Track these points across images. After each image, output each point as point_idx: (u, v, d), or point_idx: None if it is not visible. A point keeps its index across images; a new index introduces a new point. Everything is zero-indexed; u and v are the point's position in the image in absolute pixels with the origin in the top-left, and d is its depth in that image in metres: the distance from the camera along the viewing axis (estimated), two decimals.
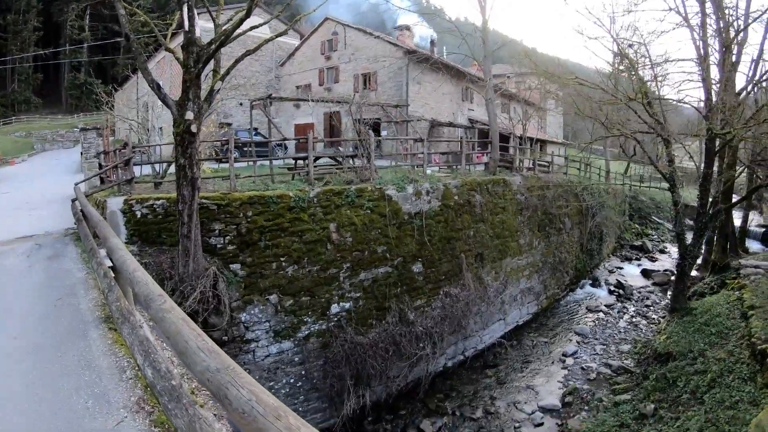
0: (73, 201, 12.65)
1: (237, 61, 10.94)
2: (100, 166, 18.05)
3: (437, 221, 17.20)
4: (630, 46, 19.23)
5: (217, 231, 12.52)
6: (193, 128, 10.46)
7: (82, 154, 23.59)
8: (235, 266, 12.64)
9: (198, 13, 11.14)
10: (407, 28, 40.41)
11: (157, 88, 10.94)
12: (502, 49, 35.86)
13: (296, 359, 13.43)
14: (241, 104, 37.19)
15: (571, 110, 31.17)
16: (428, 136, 29.48)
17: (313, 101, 20.10)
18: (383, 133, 29.80)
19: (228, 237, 12.65)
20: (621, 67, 20.94)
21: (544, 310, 23.67)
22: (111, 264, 6.11)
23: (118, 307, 5.33)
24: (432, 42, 41.85)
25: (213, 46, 10.52)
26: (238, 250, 12.73)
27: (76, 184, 14.13)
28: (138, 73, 43.72)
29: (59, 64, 78.98)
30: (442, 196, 17.62)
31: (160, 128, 29.46)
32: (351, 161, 18.65)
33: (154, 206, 12.42)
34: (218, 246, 12.52)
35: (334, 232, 14.38)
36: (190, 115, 10.45)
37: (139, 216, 12.21)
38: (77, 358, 5.43)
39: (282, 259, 13.36)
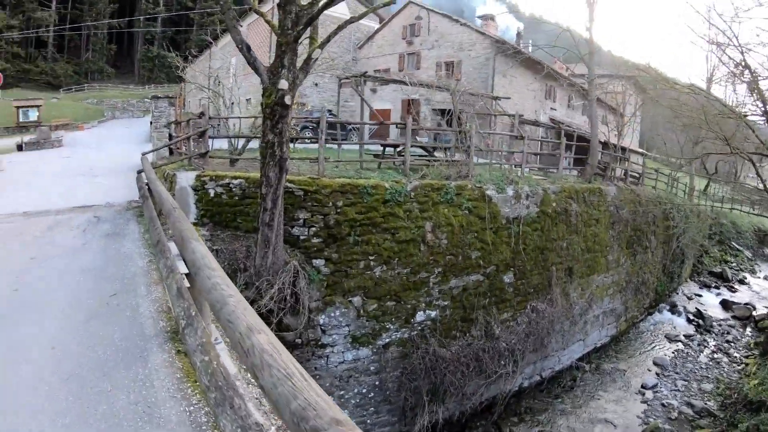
0: (139, 173, 11.28)
1: (340, 28, 9.49)
2: (171, 137, 17.01)
3: (533, 229, 15.87)
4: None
5: (301, 220, 11.07)
6: (287, 100, 8.92)
7: (151, 123, 22.69)
8: (319, 262, 11.16)
9: None
10: (492, 18, 38.17)
11: (246, 49, 9.36)
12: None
13: (372, 368, 12.16)
14: (316, 84, 35.79)
15: (651, 119, 28.85)
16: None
17: (411, 84, 18.20)
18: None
19: (314, 228, 11.17)
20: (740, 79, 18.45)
21: (622, 333, 22.01)
22: (187, 281, 4.42)
23: (199, 344, 3.55)
24: (518, 34, 39.63)
25: (317, 6, 8.91)
26: (323, 244, 11.26)
27: (144, 154, 12.75)
28: (211, 47, 43.53)
29: (133, 36, 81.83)
30: (540, 202, 16.20)
31: (232, 102, 28.44)
32: (444, 153, 17.04)
33: (231, 186, 11.09)
34: (301, 238, 11.07)
35: (429, 232, 12.91)
36: (284, 84, 8.88)
37: (212, 195, 10.93)
38: (132, 398, 3.75)
39: (371, 258, 11.87)
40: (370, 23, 38.79)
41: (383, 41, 38.04)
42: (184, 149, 14.39)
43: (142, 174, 11.03)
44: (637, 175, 28.23)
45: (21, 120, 43.04)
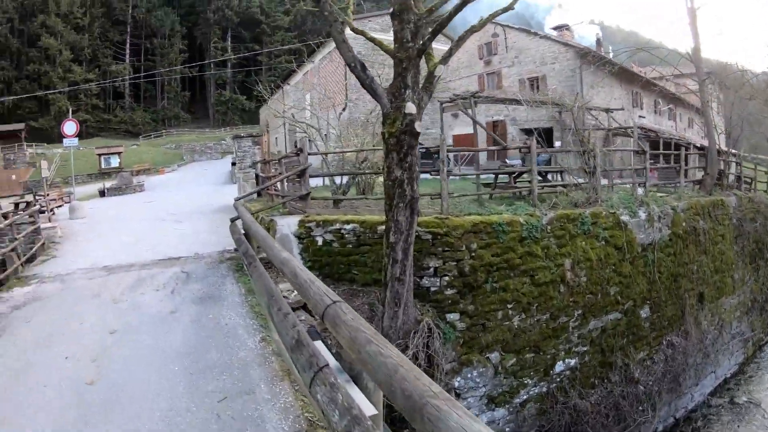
0: (233, 221, 9.72)
1: (462, 39, 8.40)
2: (257, 177, 15.77)
3: (666, 254, 14.16)
4: None
5: (432, 269, 9.28)
6: (417, 127, 7.35)
7: (234, 164, 21.73)
8: (453, 316, 9.34)
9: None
10: (567, 28, 36.01)
11: (361, 68, 7.78)
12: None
13: (507, 429, 10.48)
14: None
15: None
16: (603, 145, 25.30)
17: (527, 102, 16.33)
18: (556, 144, 26.45)
19: (446, 278, 9.34)
20: None
21: (749, 358, 19.57)
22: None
23: None
24: (598, 41, 37.35)
25: (439, 12, 7.82)
26: (458, 296, 9.42)
27: (237, 199, 11.20)
28: (283, 86, 43.25)
29: (204, 82, 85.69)
30: (671, 223, 14.48)
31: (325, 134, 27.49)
32: (559, 176, 15.32)
33: (343, 232, 9.55)
34: (432, 289, 9.28)
35: (569, 270, 11.11)
36: (411, 107, 7.32)
37: (320, 243, 9.50)
38: None
39: (509, 306, 10.05)
40: (441, 46, 37.29)
41: (458, 63, 36.51)
42: (275, 190, 13.02)
43: (238, 222, 9.49)
44: (749, 180, 25.83)
45: (103, 167, 44.46)
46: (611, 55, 34.87)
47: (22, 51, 73.27)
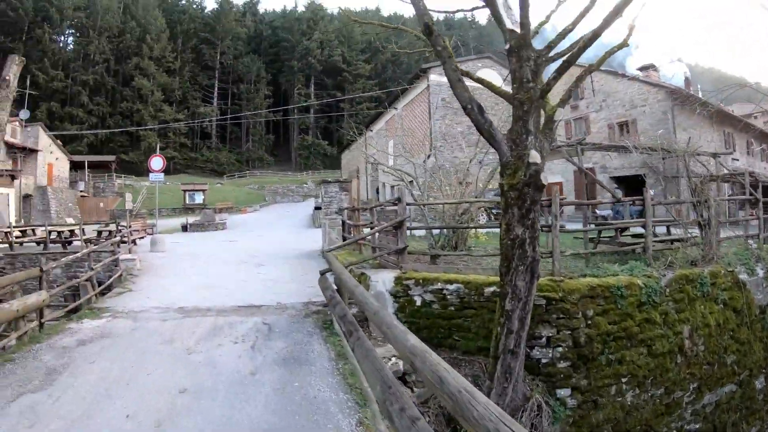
0: (323, 273, 8.79)
1: (580, 79, 7.20)
2: (344, 224, 15.04)
3: None
4: None
5: (544, 339, 8.06)
6: (543, 179, 6.38)
7: (318, 208, 21.19)
8: (564, 392, 8.06)
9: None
10: (653, 67, 34.04)
11: (478, 111, 6.76)
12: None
13: None
14: (480, 162, 33.34)
15: None
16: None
17: (635, 148, 14.88)
18: (650, 192, 24.26)
19: (560, 348, 8.08)
20: None
21: None
22: None
23: None
24: (687, 80, 35.30)
25: (572, 50, 6.71)
26: (571, 369, 8.13)
27: (328, 250, 10.24)
28: (366, 132, 43.30)
29: (288, 126, 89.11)
30: None
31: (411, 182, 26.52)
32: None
33: (445, 292, 8.49)
34: (544, 362, 8.04)
35: (687, 339, 9.82)
36: (535, 156, 6.40)
37: (419, 304, 8.50)
38: None
39: (623, 380, 8.70)
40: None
41: None
42: (363, 239, 12.08)
43: (328, 275, 8.56)
44: None
45: (187, 202, 45.94)
46: (700, 93, 32.79)
47: (116, 90, 79.25)
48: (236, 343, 7.11)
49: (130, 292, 11.50)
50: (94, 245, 17.45)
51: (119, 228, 18.73)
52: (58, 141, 46.31)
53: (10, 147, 36.47)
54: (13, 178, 26.32)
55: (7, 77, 11.10)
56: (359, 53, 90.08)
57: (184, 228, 29.20)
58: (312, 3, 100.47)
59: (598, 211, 19.53)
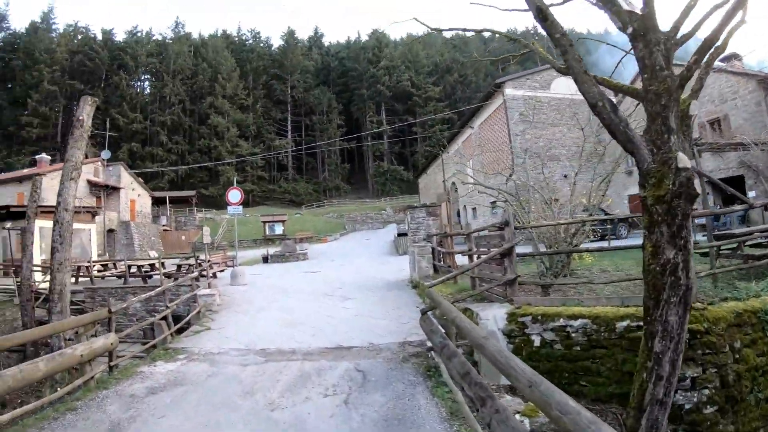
0: (424, 312, 7.53)
1: (709, 66, 6.30)
2: (434, 252, 13.87)
3: None
4: None
5: (688, 380, 6.44)
6: (696, 186, 5.06)
7: (402, 234, 20.07)
8: None
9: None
10: (737, 57, 30.83)
11: (611, 108, 5.37)
12: None
13: None
14: (566, 176, 31.00)
15: None
16: None
17: (756, 144, 12.95)
18: (750, 194, 22.16)
19: (706, 391, 6.43)
20: None
21: None
22: None
23: None
24: None
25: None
26: (718, 414, 6.46)
27: (430, 286, 8.82)
28: (445, 153, 42.25)
29: (362, 154, 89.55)
30: None
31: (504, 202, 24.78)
32: None
33: (568, 330, 7.03)
34: (687, 407, 6.43)
35: None
36: (684, 160, 4.92)
37: (537, 344, 7.09)
38: None
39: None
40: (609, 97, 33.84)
41: (622, 111, 32.94)
42: (448, 263, 10.82)
43: (429, 315, 7.33)
44: None
45: (267, 233, 46.53)
46: None
47: (193, 128, 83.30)
48: (326, 396, 5.98)
49: (208, 331, 10.70)
50: (174, 279, 17.19)
51: (198, 262, 18.34)
52: (140, 179, 48.32)
53: (94, 185, 38.42)
54: (93, 215, 26.96)
55: (81, 117, 11.17)
56: (426, 76, 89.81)
57: (265, 259, 28.87)
58: (375, 31, 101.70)
59: (696, 221, 17.34)
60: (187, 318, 12.02)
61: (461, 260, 12.78)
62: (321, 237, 45.28)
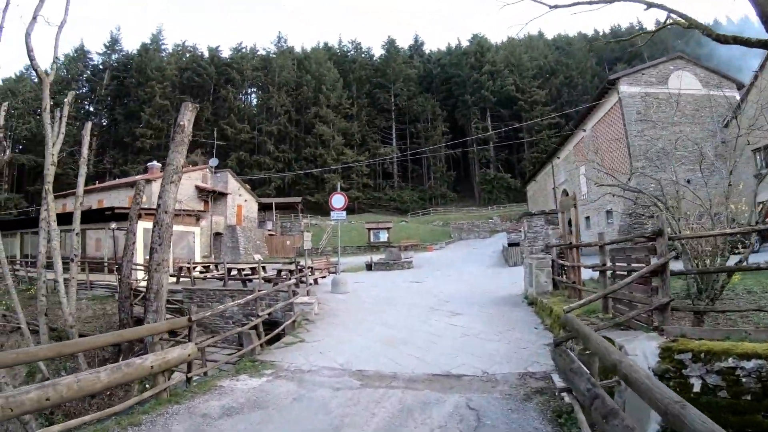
0: (558, 345, 6.02)
1: None
2: (554, 265, 12.26)
3: None
4: None
5: None
6: None
7: (513, 245, 18.46)
8: None
9: None
10: None
11: None
12: None
13: None
14: (689, 181, 27.57)
15: None
16: None
17: None
18: None
19: None
20: None
21: None
22: None
23: None
24: None
25: None
26: None
27: (569, 311, 7.05)
28: (555, 159, 39.68)
29: (468, 161, 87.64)
30: None
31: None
32: None
33: (738, 373, 5.22)
34: None
35: None
36: None
37: (697, 390, 5.35)
38: None
39: None
40: (729, 92, 29.30)
41: (751, 110, 28.16)
42: (570, 278, 9.29)
43: (563, 347, 5.83)
44: None
45: (372, 240, 46.34)
46: None
47: (299, 137, 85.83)
48: None
49: (301, 344, 9.81)
50: (273, 284, 16.67)
51: (299, 268, 17.73)
52: (247, 185, 49.97)
53: (201, 191, 40.06)
54: (197, 218, 27.52)
55: (182, 123, 11.27)
56: (531, 79, 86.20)
57: (369, 267, 28.18)
58: (476, 36, 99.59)
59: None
60: (282, 327, 11.26)
61: (587, 276, 11.17)
62: (426, 245, 44.18)
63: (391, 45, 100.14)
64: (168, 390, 6.56)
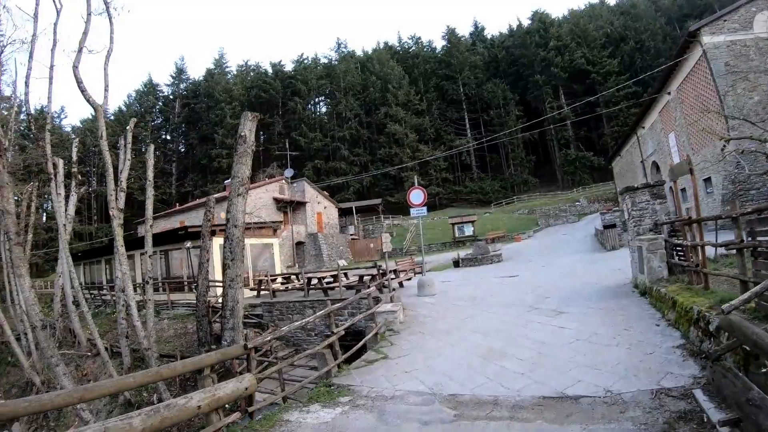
0: (716, 359, 4.45)
1: None
2: (667, 246, 10.41)
3: None
4: None
5: None
6: None
7: (609, 226, 16.50)
8: None
9: None
10: None
11: None
12: None
13: None
14: None
15: None
16: None
17: None
18: None
19: None
20: None
21: None
22: None
23: None
24: None
25: None
26: None
27: (728, 311, 5.18)
28: (640, 129, 36.29)
29: (546, 144, 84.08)
30: None
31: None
32: None
33: None
34: None
35: None
36: None
37: None
38: None
39: None
40: None
41: None
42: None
43: (725, 363, 4.27)
44: None
45: (457, 235, 44.85)
46: None
47: (372, 138, 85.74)
48: None
49: (383, 361, 8.62)
50: (356, 291, 15.70)
51: (381, 272, 16.61)
52: (324, 192, 50.03)
53: (279, 202, 40.31)
54: (275, 230, 27.13)
55: (243, 133, 11.21)
56: (600, 49, 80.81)
57: (456, 263, 26.61)
58: (536, 12, 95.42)
59: None
60: (363, 342, 10.15)
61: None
62: (514, 235, 41.98)
63: (451, 34, 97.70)
64: (223, 430, 5.59)
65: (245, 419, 6.28)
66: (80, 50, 16.37)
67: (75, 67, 16.02)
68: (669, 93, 28.39)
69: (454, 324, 11.07)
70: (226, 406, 6.01)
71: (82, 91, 16.05)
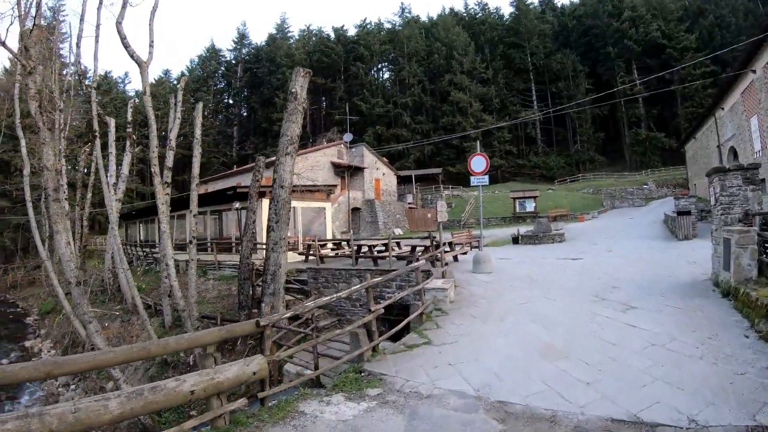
0: None
1: None
2: (766, 244, 8.75)
3: None
4: None
5: None
6: None
7: (682, 213, 14.75)
8: None
9: None
10: None
11: None
12: None
13: None
14: None
15: None
16: None
17: None
18: None
19: None
20: None
21: None
22: None
23: None
24: None
25: None
26: None
27: None
28: (719, 110, 33.03)
29: (617, 121, 79.05)
30: None
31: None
32: None
33: None
34: None
35: None
36: None
37: None
38: None
39: None
40: None
41: None
42: None
43: None
44: None
45: (518, 210, 43.50)
46: None
47: (435, 107, 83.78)
48: None
49: (426, 347, 7.67)
50: (407, 263, 14.76)
51: (434, 243, 15.48)
52: (384, 159, 49.07)
53: (337, 166, 39.77)
54: (328, 194, 26.44)
55: (294, 90, 10.97)
56: (677, 23, 74.88)
57: (515, 240, 25.07)
58: None
59: None
60: (407, 320, 9.22)
61: None
62: (577, 215, 39.92)
63: (520, 1, 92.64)
64: (225, 417, 4.87)
65: (255, 405, 5.48)
66: (124, 6, 16.29)
67: (119, 23, 15.89)
68: (754, 71, 25.24)
69: (508, 308, 9.98)
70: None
71: (126, 47, 15.86)
